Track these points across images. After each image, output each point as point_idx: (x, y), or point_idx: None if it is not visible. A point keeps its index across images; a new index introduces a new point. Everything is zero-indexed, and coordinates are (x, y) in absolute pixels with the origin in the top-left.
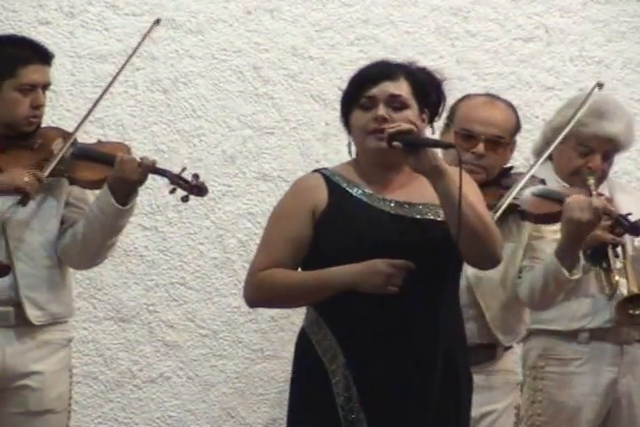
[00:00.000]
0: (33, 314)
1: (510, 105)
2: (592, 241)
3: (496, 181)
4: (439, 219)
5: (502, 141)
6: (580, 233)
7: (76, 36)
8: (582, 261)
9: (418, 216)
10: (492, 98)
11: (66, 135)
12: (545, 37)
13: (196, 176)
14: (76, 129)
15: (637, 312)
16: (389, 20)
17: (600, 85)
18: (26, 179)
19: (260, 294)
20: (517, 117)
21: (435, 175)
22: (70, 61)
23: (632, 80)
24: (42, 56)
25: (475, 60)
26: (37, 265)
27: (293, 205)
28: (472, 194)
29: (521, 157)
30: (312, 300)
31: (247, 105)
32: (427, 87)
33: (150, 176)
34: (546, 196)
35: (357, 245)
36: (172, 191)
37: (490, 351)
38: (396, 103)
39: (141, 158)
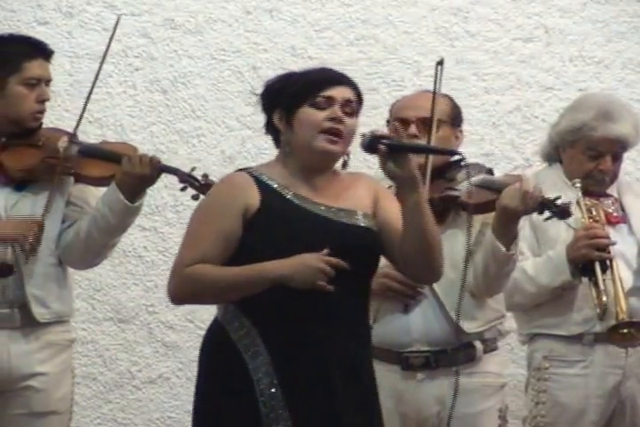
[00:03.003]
0: (38, 312)
1: (446, 96)
2: (580, 259)
3: (441, 174)
4: (364, 225)
5: (437, 123)
6: (508, 218)
7: (74, 36)
8: (570, 277)
9: (346, 221)
10: (423, 91)
11: (68, 135)
12: (544, 38)
13: (205, 176)
14: (77, 126)
15: (626, 331)
16: (389, 20)
17: (440, 63)
18: (27, 231)
19: (187, 289)
20: (453, 105)
21: (410, 185)
22: (69, 61)
23: (632, 80)
24: (44, 52)
25: (474, 61)
26: (42, 263)
27: (224, 201)
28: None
29: (521, 157)
30: (242, 294)
31: (246, 105)
32: (362, 103)
33: None
34: (483, 185)
35: (290, 247)
36: (183, 189)
37: (469, 352)
38: (348, 108)
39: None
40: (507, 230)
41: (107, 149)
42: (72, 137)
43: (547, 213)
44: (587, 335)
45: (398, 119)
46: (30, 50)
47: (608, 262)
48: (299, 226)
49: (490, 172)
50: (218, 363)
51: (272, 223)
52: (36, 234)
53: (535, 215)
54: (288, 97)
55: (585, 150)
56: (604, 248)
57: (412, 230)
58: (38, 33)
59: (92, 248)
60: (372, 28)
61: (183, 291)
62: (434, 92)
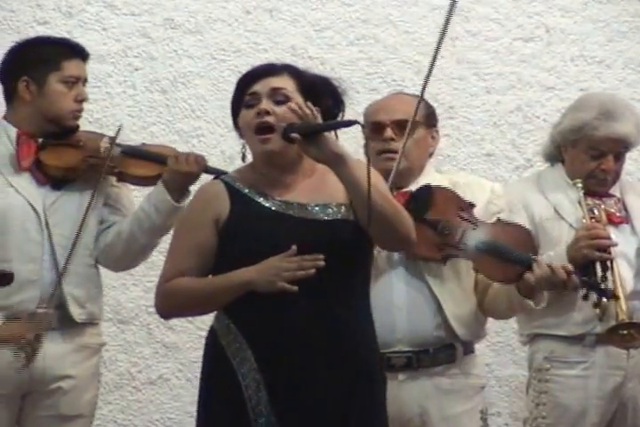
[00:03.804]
0: (75, 311)
1: (416, 95)
2: (580, 259)
3: (418, 214)
4: (344, 218)
5: (411, 125)
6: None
7: (74, 35)
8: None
9: (323, 217)
10: (396, 93)
11: (100, 137)
12: (545, 37)
13: None
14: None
15: (626, 332)
16: (389, 20)
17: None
18: (24, 333)
19: (168, 303)
20: (427, 105)
21: (337, 162)
22: None
23: (633, 80)
24: (82, 53)
25: (475, 60)
26: (80, 263)
27: (195, 214)
28: (377, 181)
29: (522, 157)
30: (217, 303)
31: None
32: (317, 87)
33: None
34: (492, 253)
35: (262, 250)
36: None
37: (450, 353)
38: (279, 97)
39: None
40: (536, 294)
41: (151, 151)
42: (112, 139)
43: (592, 295)
44: (588, 336)
45: (373, 123)
46: (69, 50)
47: (608, 263)
48: (270, 229)
49: (471, 205)
50: (212, 368)
51: (243, 229)
52: (39, 334)
53: (537, 214)
54: (231, 106)
55: (587, 150)
56: (605, 249)
57: (359, 203)
58: (38, 33)
59: (133, 249)
60: (373, 28)
61: (166, 305)
62: (443, 31)
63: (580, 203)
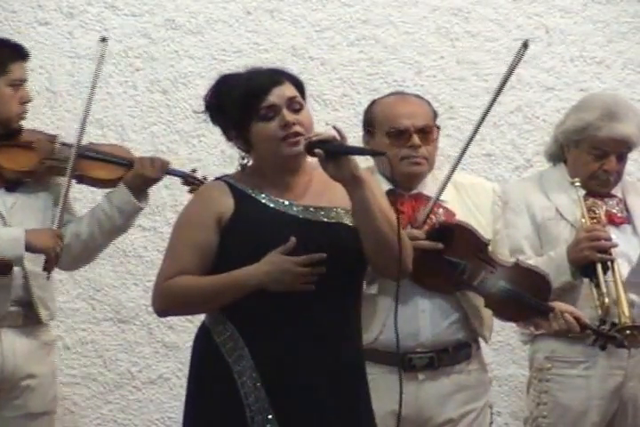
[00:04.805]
0: (43, 313)
1: (419, 96)
2: (581, 260)
3: (438, 259)
4: (348, 223)
5: (430, 130)
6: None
7: (75, 36)
8: (570, 278)
9: (326, 220)
10: (401, 94)
11: (51, 138)
12: (545, 38)
13: (205, 178)
14: (81, 133)
15: (629, 332)
16: (389, 21)
17: (525, 45)
18: (53, 243)
19: (167, 301)
20: (431, 105)
21: (353, 184)
22: (69, 62)
23: (633, 81)
24: (26, 54)
25: (475, 61)
26: (41, 264)
27: (198, 213)
28: (384, 202)
29: (522, 157)
30: (221, 303)
31: None
32: (301, 84)
33: None
34: (517, 302)
35: (266, 250)
36: (191, 191)
37: (467, 350)
38: (295, 105)
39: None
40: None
41: (109, 153)
42: (55, 138)
43: (601, 340)
44: (589, 335)
45: (396, 129)
46: (15, 52)
47: (609, 264)
48: (274, 229)
49: (486, 245)
50: (204, 367)
51: (247, 228)
52: (61, 247)
53: (539, 214)
54: (233, 119)
55: (590, 150)
56: (606, 250)
57: (364, 227)
58: (39, 33)
59: (90, 249)
60: (373, 29)
61: (164, 303)
62: (508, 73)
63: (579, 202)
